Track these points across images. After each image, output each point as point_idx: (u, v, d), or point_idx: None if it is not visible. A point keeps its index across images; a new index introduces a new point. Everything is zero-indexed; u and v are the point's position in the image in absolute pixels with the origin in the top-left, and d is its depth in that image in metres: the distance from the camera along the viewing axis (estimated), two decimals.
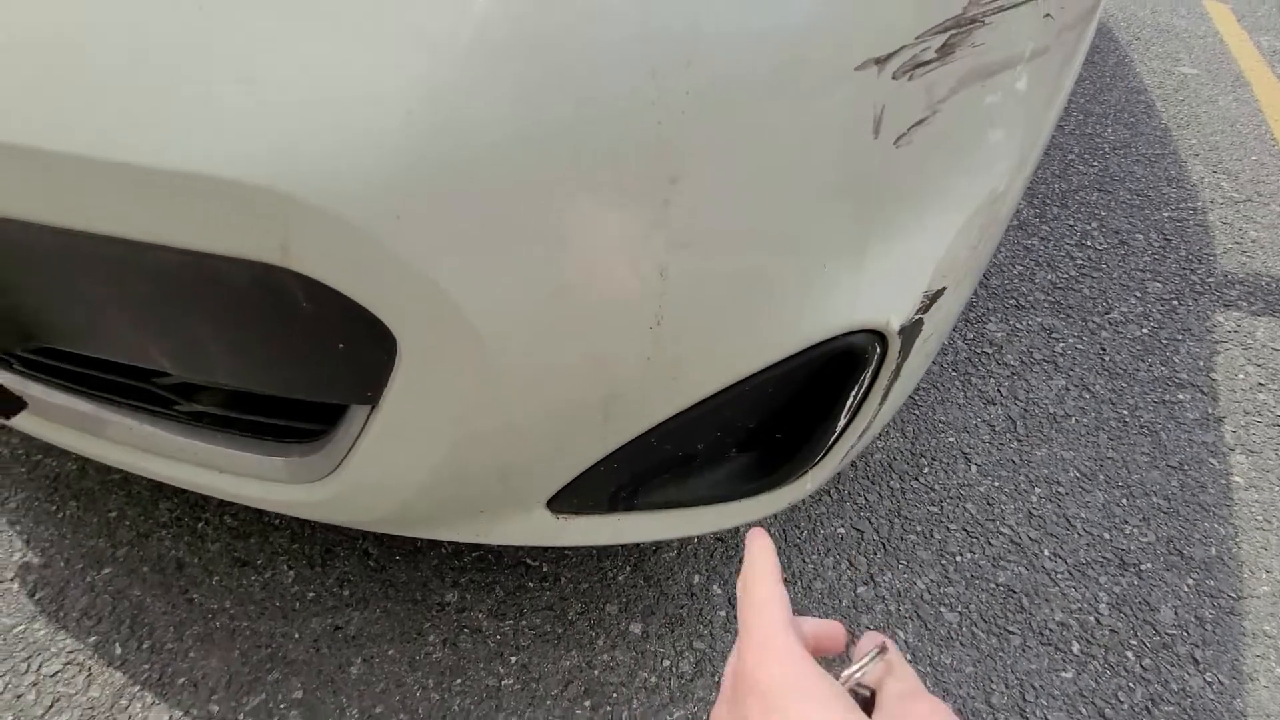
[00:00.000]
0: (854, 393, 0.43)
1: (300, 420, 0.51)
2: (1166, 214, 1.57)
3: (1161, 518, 0.95)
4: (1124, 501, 0.97)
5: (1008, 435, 1.05)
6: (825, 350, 0.40)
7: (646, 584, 0.84)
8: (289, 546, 0.87)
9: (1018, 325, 1.25)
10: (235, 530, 0.88)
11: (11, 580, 0.82)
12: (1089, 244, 1.46)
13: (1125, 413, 1.09)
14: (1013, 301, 1.31)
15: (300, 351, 0.37)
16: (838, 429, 0.46)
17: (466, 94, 0.28)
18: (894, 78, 0.32)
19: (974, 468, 1.00)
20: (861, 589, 0.85)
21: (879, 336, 0.41)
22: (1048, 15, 0.38)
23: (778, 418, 0.46)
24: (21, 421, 0.59)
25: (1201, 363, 1.19)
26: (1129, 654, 0.80)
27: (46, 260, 0.37)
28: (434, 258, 0.30)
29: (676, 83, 0.28)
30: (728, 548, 0.89)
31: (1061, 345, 1.21)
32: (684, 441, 0.47)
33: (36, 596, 0.80)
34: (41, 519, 0.88)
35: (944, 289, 0.41)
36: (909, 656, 0.80)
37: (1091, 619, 0.83)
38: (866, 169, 0.33)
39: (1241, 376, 1.17)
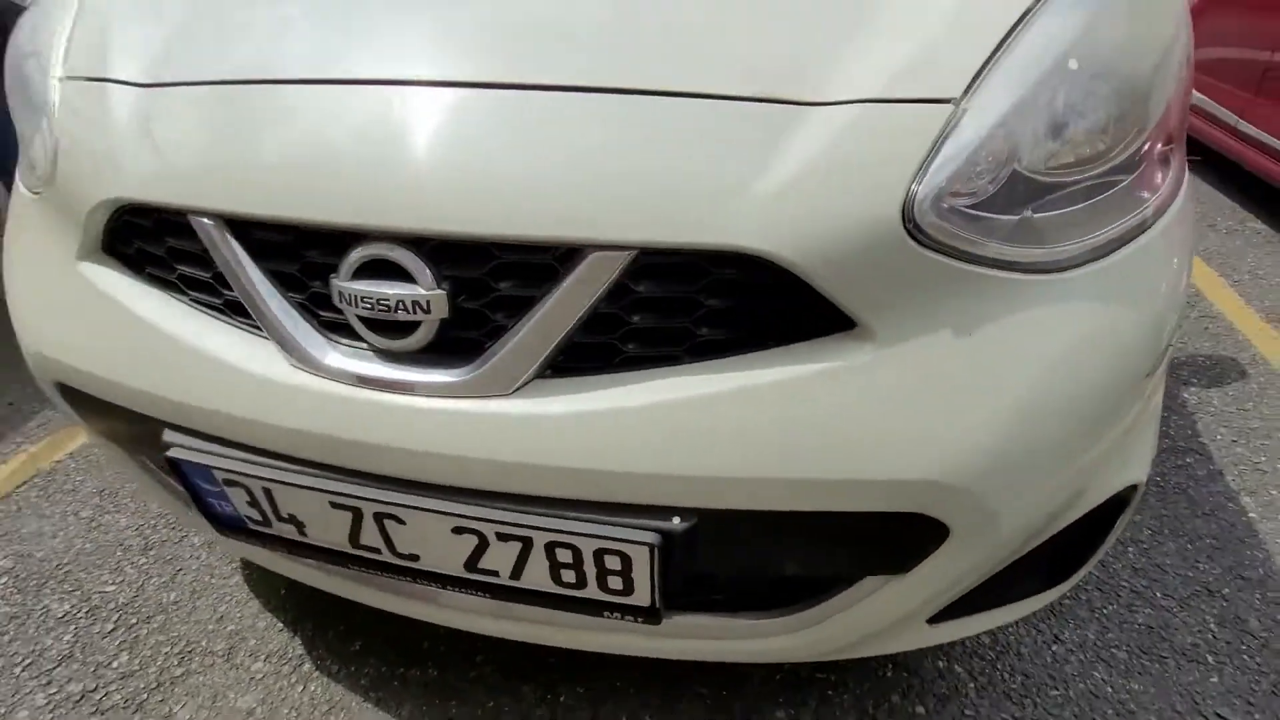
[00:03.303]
0: (1117, 524, 0.79)
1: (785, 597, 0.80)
2: None
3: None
4: None
5: None
6: (1117, 498, 0.75)
7: (909, 675, 1.12)
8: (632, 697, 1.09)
9: None
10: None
11: None
12: None
13: None
14: None
15: (881, 547, 0.67)
16: (1097, 552, 0.81)
17: (1025, 449, 0.62)
18: (1146, 376, 0.69)
19: None
20: None
21: (1134, 488, 0.77)
22: None
23: (1068, 548, 0.80)
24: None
25: None
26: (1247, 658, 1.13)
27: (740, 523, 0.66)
28: (1001, 500, 0.63)
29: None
30: None
31: None
32: (1031, 564, 0.80)
33: None
34: None
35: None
36: None
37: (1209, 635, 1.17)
38: (1135, 407, 0.70)
39: None
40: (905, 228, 0.58)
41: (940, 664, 1.13)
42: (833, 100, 0.59)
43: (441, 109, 0.61)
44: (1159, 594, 1.25)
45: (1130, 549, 1.34)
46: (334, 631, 1.21)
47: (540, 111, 0.60)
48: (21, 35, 0.88)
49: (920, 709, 1.06)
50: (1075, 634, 1.18)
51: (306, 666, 1.16)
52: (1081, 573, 0.85)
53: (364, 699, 1.10)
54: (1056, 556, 0.81)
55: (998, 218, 0.61)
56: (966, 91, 0.59)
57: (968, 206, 0.60)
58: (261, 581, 1.31)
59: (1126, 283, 0.65)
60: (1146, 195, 0.69)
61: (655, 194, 0.58)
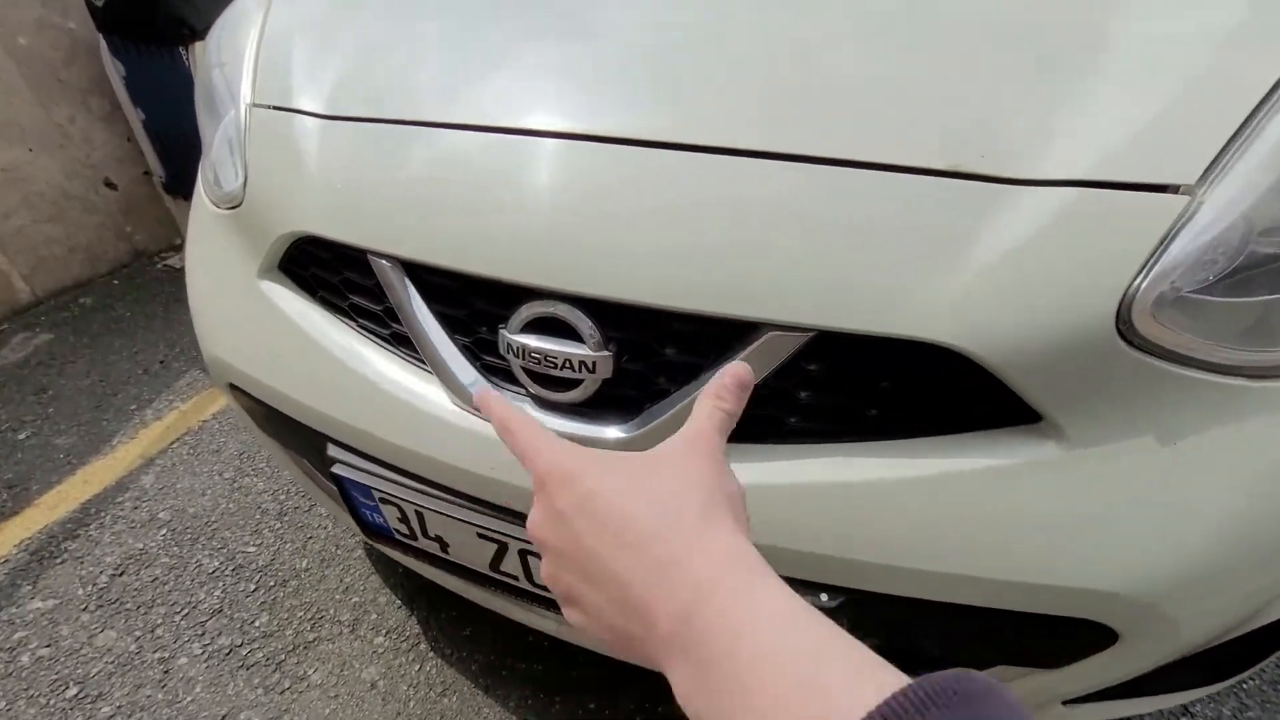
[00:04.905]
0: None
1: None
2: None
3: None
4: None
5: None
6: None
7: None
8: None
9: None
10: None
11: None
12: None
13: None
14: None
15: (1037, 644, 0.64)
16: (1269, 656, 0.74)
17: (1219, 570, 0.57)
18: None
19: None
20: None
21: None
22: None
23: (1240, 650, 0.74)
24: None
25: None
26: None
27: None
28: (1183, 614, 0.58)
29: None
30: None
31: None
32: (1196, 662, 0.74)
33: None
34: None
35: None
36: None
37: None
38: None
39: None
40: (1118, 328, 0.53)
41: None
42: (1039, 179, 0.54)
43: (623, 168, 0.61)
44: None
45: None
46: (446, 615, 1.29)
47: (720, 177, 0.58)
48: (211, 45, 0.94)
49: None
50: (1209, 709, 1.10)
51: (423, 646, 1.24)
52: (1248, 673, 0.79)
53: (475, 684, 1.18)
54: (1225, 657, 0.75)
55: (1226, 314, 0.55)
56: (1204, 177, 0.52)
57: (1191, 294, 0.54)
58: (381, 559, 1.41)
59: None
60: None
61: (838, 277, 0.55)
